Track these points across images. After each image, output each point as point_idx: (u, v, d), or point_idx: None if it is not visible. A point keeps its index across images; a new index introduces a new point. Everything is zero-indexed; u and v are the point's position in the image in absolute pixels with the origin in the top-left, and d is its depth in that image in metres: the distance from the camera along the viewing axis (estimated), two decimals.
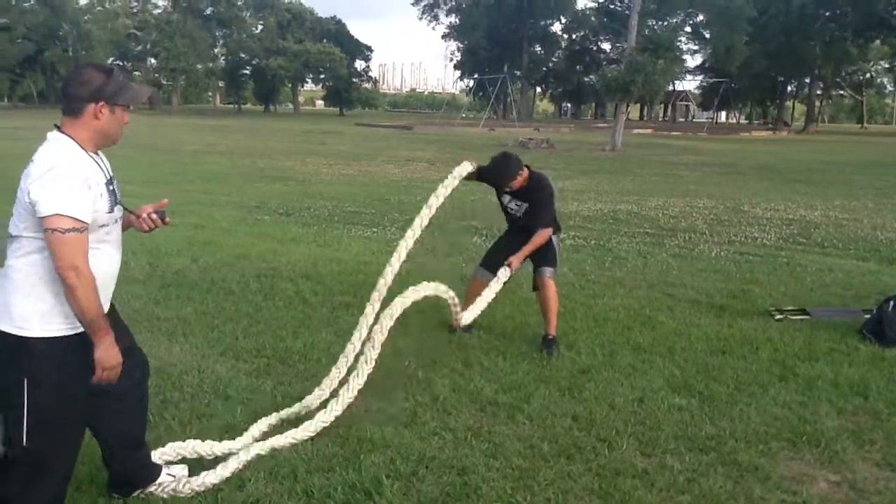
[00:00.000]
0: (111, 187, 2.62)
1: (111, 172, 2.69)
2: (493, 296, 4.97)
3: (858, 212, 12.80)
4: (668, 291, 6.72)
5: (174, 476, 3.16)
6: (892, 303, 5.47)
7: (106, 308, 2.64)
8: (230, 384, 4.21)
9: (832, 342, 5.29)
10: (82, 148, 2.52)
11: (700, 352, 5.03)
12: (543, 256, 5.13)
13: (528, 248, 4.97)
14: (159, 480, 3.10)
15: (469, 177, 5.06)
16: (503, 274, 4.99)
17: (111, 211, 2.60)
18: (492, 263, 5.21)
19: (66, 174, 2.41)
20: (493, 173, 5.02)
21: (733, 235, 9.96)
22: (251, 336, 5.08)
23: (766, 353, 5.02)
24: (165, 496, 3.05)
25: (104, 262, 2.61)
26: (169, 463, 3.24)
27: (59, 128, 2.54)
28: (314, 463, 3.33)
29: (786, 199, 14.41)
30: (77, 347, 2.52)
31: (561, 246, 5.65)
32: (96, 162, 2.58)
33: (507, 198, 5.18)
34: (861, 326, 5.52)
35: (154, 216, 2.81)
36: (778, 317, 5.88)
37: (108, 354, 2.52)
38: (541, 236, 4.99)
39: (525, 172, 4.99)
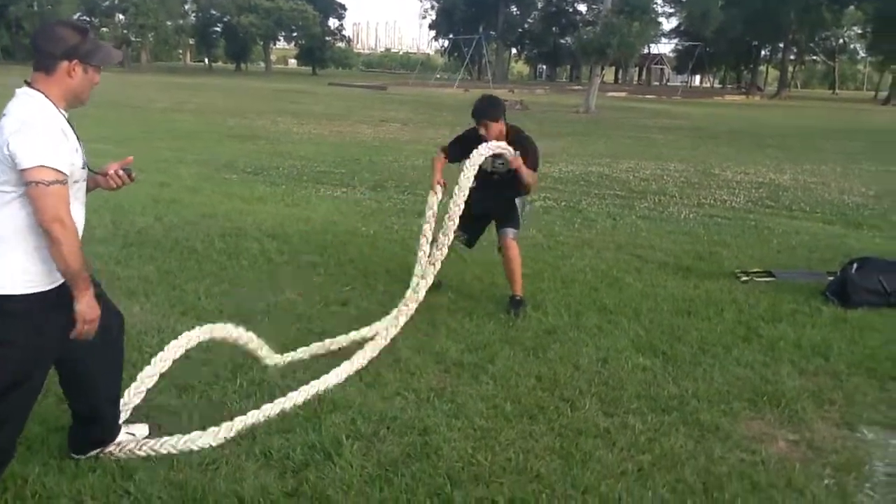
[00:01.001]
0: (81, 147, 2.62)
1: (77, 133, 2.67)
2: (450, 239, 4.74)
3: (826, 176, 12.91)
4: (637, 253, 6.73)
5: (134, 435, 3.11)
6: (855, 265, 5.52)
7: None
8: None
9: (796, 304, 5.33)
10: (55, 105, 2.50)
11: (666, 313, 5.05)
12: (506, 217, 5.06)
13: (525, 172, 4.76)
14: (118, 439, 3.05)
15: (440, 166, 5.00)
16: (503, 150, 4.73)
17: (84, 167, 2.60)
18: (468, 225, 5.03)
19: (44, 127, 2.41)
20: (479, 107, 4.85)
21: (703, 198, 9.99)
22: (214, 296, 5.00)
23: (731, 315, 5.04)
24: (123, 455, 2.99)
25: (75, 219, 2.57)
26: (128, 422, 3.18)
27: (29, 84, 2.51)
28: (274, 423, 3.28)
29: (756, 162, 14.48)
30: (55, 305, 2.51)
31: (531, 207, 5.60)
32: (66, 120, 2.56)
33: (489, 159, 5.03)
34: (825, 288, 5.57)
35: (121, 172, 2.80)
36: (744, 279, 5.91)
37: (89, 307, 2.52)
38: (533, 177, 4.86)
39: (503, 125, 4.89)
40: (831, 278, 5.70)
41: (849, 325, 4.92)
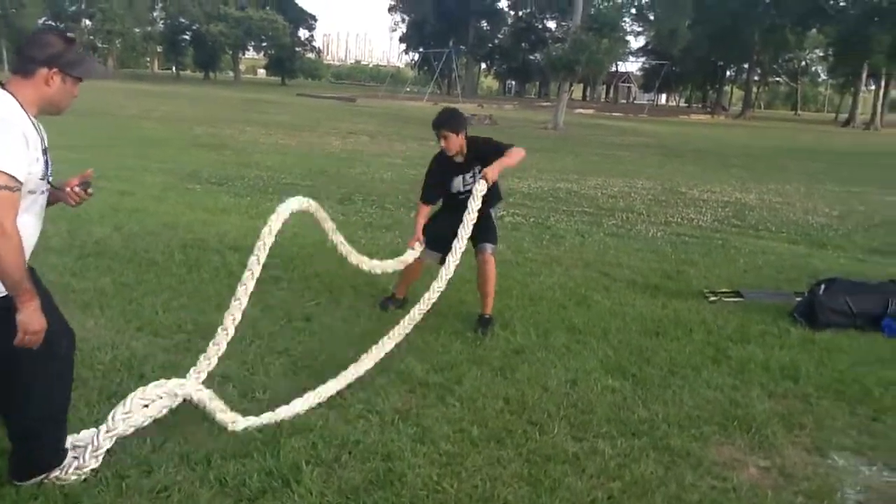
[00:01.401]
0: (46, 157, 2.53)
1: (47, 143, 2.57)
2: (452, 270, 4.74)
3: (791, 196, 13.05)
4: (605, 271, 6.68)
5: (76, 457, 2.94)
6: (822, 286, 5.51)
7: None
8: (145, 361, 3.98)
9: (764, 325, 5.31)
10: (23, 108, 2.42)
11: (634, 333, 4.99)
12: (485, 233, 4.98)
13: (506, 161, 4.76)
14: (64, 463, 2.87)
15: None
16: (479, 189, 4.70)
17: (43, 178, 2.50)
18: (436, 244, 4.98)
19: (5, 129, 2.31)
20: (440, 118, 4.82)
21: (670, 216, 10.02)
22: (172, 310, 4.83)
23: (700, 336, 5.00)
24: (73, 478, 2.82)
25: (28, 232, 2.49)
26: (76, 446, 3.01)
27: (2, 85, 2.44)
28: (230, 448, 3.14)
29: (722, 181, 14.61)
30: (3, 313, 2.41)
31: (498, 222, 5.51)
32: (35, 126, 2.47)
33: (458, 180, 4.96)
34: (792, 309, 5.55)
35: (77, 189, 2.72)
36: (712, 299, 5.88)
37: (31, 318, 2.42)
38: (516, 151, 4.83)
39: (463, 139, 4.83)
40: (799, 299, 5.69)
41: (817, 346, 4.90)
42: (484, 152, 4.86)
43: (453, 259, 4.69)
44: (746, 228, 9.53)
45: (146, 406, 3.07)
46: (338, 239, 4.47)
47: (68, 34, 2.65)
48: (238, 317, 3.58)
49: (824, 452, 3.49)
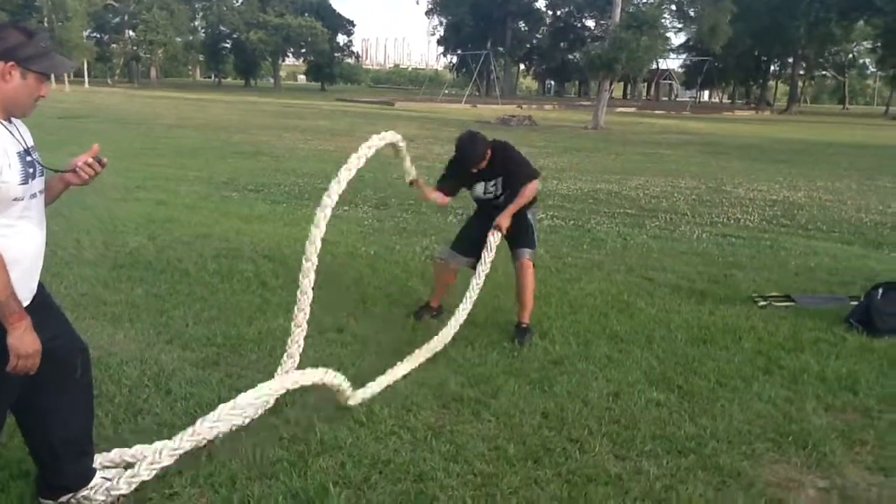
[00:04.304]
0: (28, 158, 2.33)
1: (30, 142, 2.39)
2: (483, 279, 4.71)
3: (842, 193, 12.60)
4: (648, 275, 6.45)
5: (109, 479, 2.83)
6: (880, 290, 5.22)
7: (33, 291, 2.40)
8: (173, 376, 3.89)
9: (818, 331, 5.03)
10: None
11: (680, 341, 4.76)
12: (522, 237, 4.82)
13: (517, 203, 4.67)
14: (92, 483, 2.77)
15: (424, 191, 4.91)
16: (493, 240, 4.69)
17: (25, 182, 2.29)
18: (465, 246, 4.90)
19: None
20: (461, 155, 4.71)
21: (715, 216, 9.71)
22: (202, 322, 4.74)
23: (750, 344, 4.75)
24: (100, 499, 2.72)
25: (26, 241, 2.34)
26: (105, 467, 2.91)
27: None
28: (255, 468, 3.01)
29: (769, 179, 14.19)
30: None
31: (537, 226, 5.36)
32: (6, 129, 2.28)
33: (479, 186, 4.83)
34: (848, 315, 5.26)
35: (90, 161, 2.50)
36: (762, 304, 5.62)
37: (22, 342, 2.25)
38: (529, 189, 4.71)
39: (489, 150, 4.68)
40: (854, 304, 5.40)
41: (876, 355, 4.61)
42: (506, 169, 4.74)
43: (483, 273, 4.68)
44: (796, 228, 9.18)
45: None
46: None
47: (29, 27, 2.38)
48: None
49: (889, 472, 3.23)
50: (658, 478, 3.08)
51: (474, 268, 4.87)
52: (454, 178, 4.89)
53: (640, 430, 3.49)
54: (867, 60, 75.15)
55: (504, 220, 4.65)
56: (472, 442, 3.32)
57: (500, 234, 4.69)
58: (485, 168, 4.70)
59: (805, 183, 13.76)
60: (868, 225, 9.52)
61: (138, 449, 2.99)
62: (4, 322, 2.22)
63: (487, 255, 4.69)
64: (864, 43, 67.82)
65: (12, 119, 2.34)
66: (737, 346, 4.71)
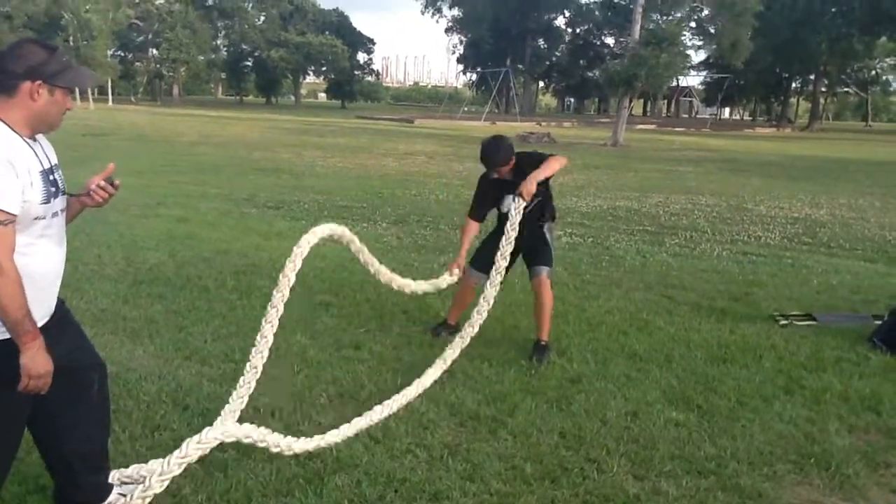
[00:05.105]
0: (51, 177, 2.35)
1: (54, 160, 2.41)
2: (499, 281, 4.61)
3: (865, 210, 12.47)
4: (667, 293, 6.40)
5: (124, 494, 2.84)
6: None
7: (51, 309, 2.42)
8: (191, 392, 3.90)
9: (841, 351, 4.97)
10: (14, 131, 2.25)
11: (699, 360, 4.71)
12: (539, 254, 4.81)
13: (543, 171, 4.59)
14: (109, 499, 2.79)
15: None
16: (516, 206, 4.58)
17: (47, 202, 2.31)
18: (485, 264, 4.86)
19: None
20: (485, 154, 4.71)
21: (736, 234, 9.63)
22: (221, 338, 4.76)
23: (771, 363, 4.69)
24: None
25: (45, 259, 2.35)
26: (123, 483, 2.92)
27: None
28: (271, 486, 3.02)
29: (790, 196, 14.07)
30: (10, 353, 2.24)
31: (555, 242, 5.34)
32: (31, 147, 2.30)
33: (507, 199, 4.78)
34: (871, 334, 5.19)
35: (103, 183, 2.52)
36: (783, 322, 5.56)
37: (34, 362, 2.25)
38: (555, 160, 4.68)
39: (513, 158, 4.68)
40: (878, 322, 5.33)
41: None
42: (529, 168, 4.69)
43: (497, 274, 4.59)
44: (818, 246, 9.08)
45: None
46: (369, 260, 4.34)
47: (48, 43, 2.41)
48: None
49: None
50: (677, 499, 3.04)
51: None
52: (483, 196, 4.89)
53: (658, 450, 3.46)
54: (890, 77, 74.60)
55: (529, 185, 4.53)
56: (489, 461, 3.30)
57: (522, 201, 4.57)
58: (510, 180, 4.69)
59: (827, 200, 13.64)
60: (891, 242, 9.41)
61: (154, 465, 3.00)
62: (18, 341, 2.23)
63: (504, 249, 4.58)
64: (888, 59, 67.33)
65: (36, 137, 2.37)
66: (757, 365, 4.66)
